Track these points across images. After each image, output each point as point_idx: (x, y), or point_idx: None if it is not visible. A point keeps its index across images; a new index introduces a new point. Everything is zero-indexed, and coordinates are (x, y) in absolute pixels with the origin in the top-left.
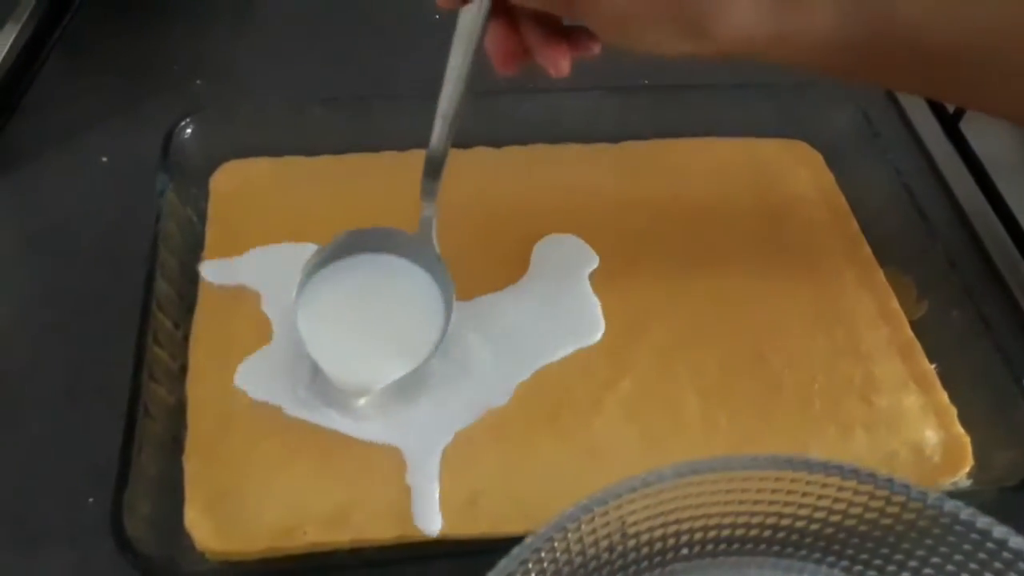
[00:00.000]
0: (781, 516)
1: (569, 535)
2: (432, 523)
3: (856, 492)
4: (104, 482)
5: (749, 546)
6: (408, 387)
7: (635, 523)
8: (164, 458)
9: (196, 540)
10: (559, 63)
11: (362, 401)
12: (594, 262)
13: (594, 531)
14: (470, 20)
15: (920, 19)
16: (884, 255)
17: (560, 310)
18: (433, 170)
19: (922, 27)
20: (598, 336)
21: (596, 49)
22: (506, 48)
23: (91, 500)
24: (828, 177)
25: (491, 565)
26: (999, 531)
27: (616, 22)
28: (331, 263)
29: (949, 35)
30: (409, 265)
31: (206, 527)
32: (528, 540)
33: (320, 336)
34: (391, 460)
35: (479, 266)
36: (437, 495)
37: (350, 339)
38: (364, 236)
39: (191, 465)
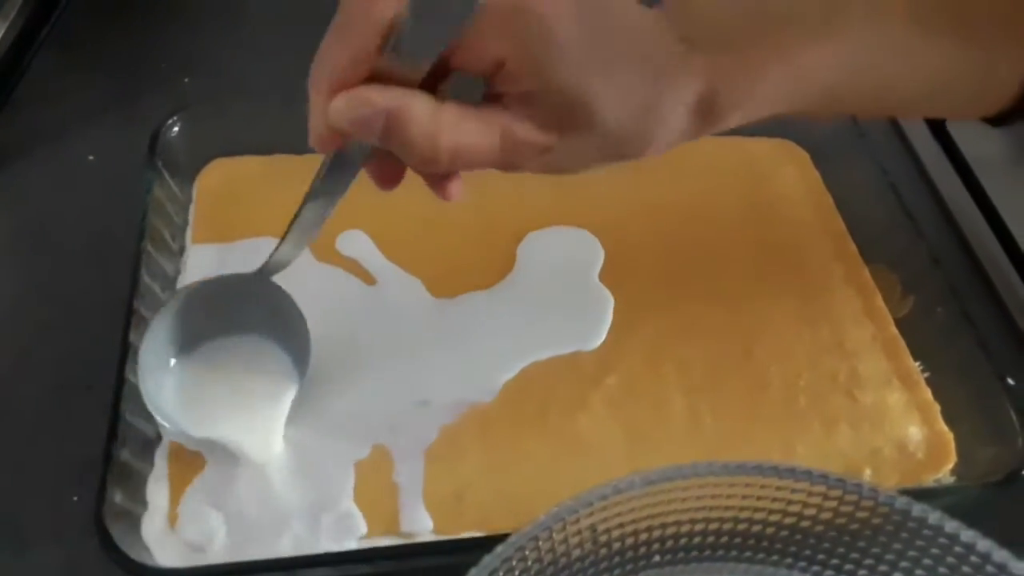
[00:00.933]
0: (752, 522)
1: (540, 543)
2: (419, 520)
3: (825, 497)
4: (90, 479)
5: (720, 551)
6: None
7: (606, 530)
8: (149, 456)
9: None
10: (449, 190)
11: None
12: (600, 259)
13: (565, 539)
14: (352, 153)
15: (833, 80)
16: (870, 253)
17: (557, 309)
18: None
19: (836, 86)
20: (599, 341)
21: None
22: (388, 174)
23: (75, 499)
24: (815, 176)
25: (476, 562)
26: (967, 535)
27: (542, 170)
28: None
29: (862, 93)
30: (250, 339)
31: None
32: (499, 549)
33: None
34: (377, 458)
35: (468, 264)
36: (422, 492)
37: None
38: (191, 306)
39: (173, 464)
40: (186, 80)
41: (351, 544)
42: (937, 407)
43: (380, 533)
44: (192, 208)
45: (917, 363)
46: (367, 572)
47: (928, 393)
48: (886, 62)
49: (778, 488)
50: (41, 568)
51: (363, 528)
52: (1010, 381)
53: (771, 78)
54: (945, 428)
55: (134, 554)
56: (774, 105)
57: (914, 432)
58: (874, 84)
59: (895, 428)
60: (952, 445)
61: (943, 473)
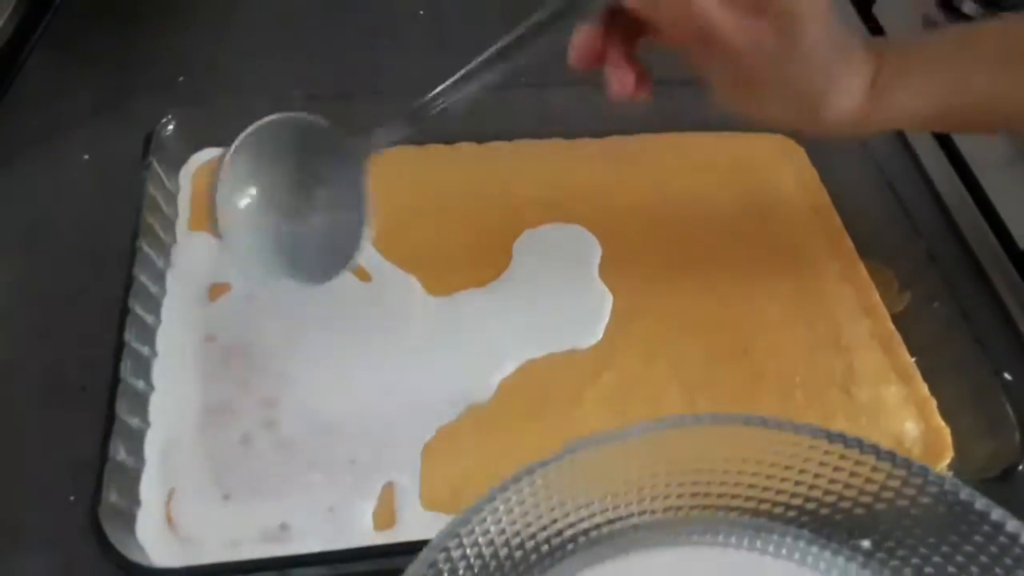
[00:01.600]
0: (742, 473)
1: (537, 479)
2: (415, 519)
3: (826, 452)
4: (86, 479)
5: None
6: None
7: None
8: (143, 454)
9: None
10: (624, 82)
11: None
12: (597, 255)
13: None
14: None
15: (989, 88)
16: (866, 249)
17: (554, 306)
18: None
19: (992, 95)
20: (597, 338)
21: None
22: (589, 48)
23: (72, 499)
24: (811, 172)
25: None
26: (981, 503)
27: (746, 84)
28: None
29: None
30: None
31: None
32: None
33: None
34: (374, 457)
35: (464, 262)
36: (419, 491)
37: None
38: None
39: (166, 461)
40: (180, 79)
41: (345, 543)
42: (934, 402)
43: (376, 531)
44: (181, 200)
45: (913, 359)
46: (362, 571)
47: (925, 388)
48: (982, 89)
49: (780, 442)
50: (38, 569)
51: (358, 530)
52: (1007, 376)
53: (905, 70)
54: (942, 423)
55: (130, 554)
56: (906, 105)
57: (911, 427)
58: (976, 104)
59: (892, 423)
60: (949, 440)
61: (940, 468)
